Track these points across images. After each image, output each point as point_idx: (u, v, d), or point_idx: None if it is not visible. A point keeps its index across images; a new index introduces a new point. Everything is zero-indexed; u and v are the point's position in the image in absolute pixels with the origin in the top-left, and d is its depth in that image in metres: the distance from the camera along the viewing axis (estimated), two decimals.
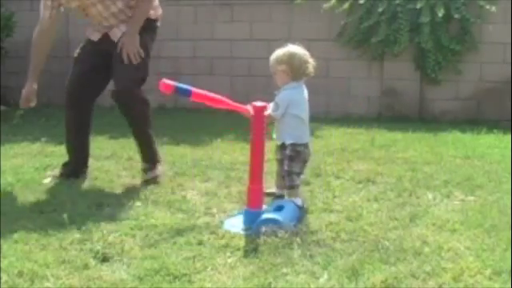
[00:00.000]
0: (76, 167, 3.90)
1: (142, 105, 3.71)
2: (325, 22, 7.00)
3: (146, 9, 3.72)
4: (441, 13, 6.38)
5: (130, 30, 3.65)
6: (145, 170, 3.81)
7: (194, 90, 3.13)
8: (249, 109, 3.11)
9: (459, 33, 6.62)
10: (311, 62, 3.26)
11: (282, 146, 3.24)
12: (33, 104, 3.84)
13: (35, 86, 3.80)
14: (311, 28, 7.04)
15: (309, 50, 3.36)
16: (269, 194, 3.37)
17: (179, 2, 7.61)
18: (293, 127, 3.19)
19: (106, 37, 3.77)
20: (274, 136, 3.33)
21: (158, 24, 3.94)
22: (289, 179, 3.17)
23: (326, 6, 6.83)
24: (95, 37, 3.82)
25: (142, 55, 3.63)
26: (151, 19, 3.83)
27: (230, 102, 3.17)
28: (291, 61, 3.20)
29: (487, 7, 6.46)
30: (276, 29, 7.06)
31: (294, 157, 3.18)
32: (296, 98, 3.21)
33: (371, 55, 6.89)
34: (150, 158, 3.82)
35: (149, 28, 3.78)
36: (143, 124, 3.78)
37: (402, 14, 6.58)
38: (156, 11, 3.91)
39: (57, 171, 3.92)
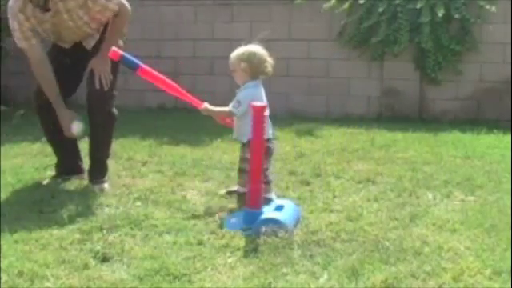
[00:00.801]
0: (70, 165, 3.88)
1: (109, 119, 3.69)
2: (325, 22, 6.99)
3: (119, 28, 3.62)
4: (441, 13, 6.38)
5: (103, 51, 3.54)
6: (92, 180, 3.71)
7: (142, 65, 3.18)
8: (201, 104, 3.21)
9: (459, 33, 6.62)
10: (270, 62, 3.32)
11: (247, 144, 3.24)
12: (76, 132, 3.59)
13: (68, 112, 3.58)
14: (311, 28, 7.04)
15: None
16: (230, 193, 3.42)
17: (179, 2, 7.61)
18: None
19: (77, 44, 3.71)
20: (234, 136, 3.36)
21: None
22: (263, 176, 3.17)
23: (325, 5, 6.82)
24: (67, 45, 3.75)
25: (111, 78, 3.58)
26: None
27: (183, 91, 3.24)
28: (251, 59, 3.27)
29: (487, 7, 6.45)
30: (276, 29, 7.06)
31: None
32: (258, 95, 3.25)
33: (371, 55, 6.88)
34: (100, 172, 3.73)
35: None
36: (105, 136, 3.75)
37: (401, 13, 6.58)
38: None
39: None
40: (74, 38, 3.68)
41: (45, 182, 3.77)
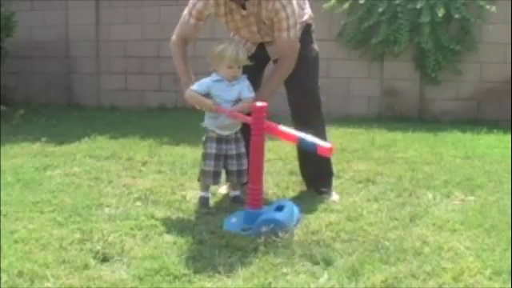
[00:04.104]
0: None
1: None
2: (325, 22, 6.99)
3: (282, 74, 3.33)
4: (441, 13, 6.38)
5: (260, 93, 3.24)
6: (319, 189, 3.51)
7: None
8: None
9: (459, 33, 6.62)
10: None
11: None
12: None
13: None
14: None
15: None
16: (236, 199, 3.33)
17: (179, 2, 7.57)
18: None
19: (261, 46, 3.46)
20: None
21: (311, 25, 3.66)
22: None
23: (326, 5, 6.83)
24: (249, 51, 3.42)
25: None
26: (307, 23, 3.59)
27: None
28: None
29: (487, 7, 6.45)
30: None
31: None
32: None
33: (371, 55, 6.89)
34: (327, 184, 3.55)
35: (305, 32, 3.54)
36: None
37: (401, 14, 6.58)
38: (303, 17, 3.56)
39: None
40: (255, 39, 3.43)
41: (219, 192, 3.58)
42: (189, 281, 2.32)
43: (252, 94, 3.17)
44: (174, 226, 2.92)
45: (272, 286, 2.27)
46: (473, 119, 6.56)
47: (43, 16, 8.08)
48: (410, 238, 2.76)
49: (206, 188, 3.29)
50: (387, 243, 2.66)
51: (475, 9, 6.52)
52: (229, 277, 2.35)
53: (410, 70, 6.82)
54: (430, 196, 3.49)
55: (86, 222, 2.98)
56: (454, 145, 5.13)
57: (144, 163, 4.39)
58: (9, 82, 7.89)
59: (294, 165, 4.09)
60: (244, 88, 3.18)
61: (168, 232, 2.84)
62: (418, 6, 6.50)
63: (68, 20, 8.00)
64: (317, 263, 2.46)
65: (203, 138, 3.28)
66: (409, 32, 6.58)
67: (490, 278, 2.31)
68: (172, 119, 6.63)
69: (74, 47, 8.04)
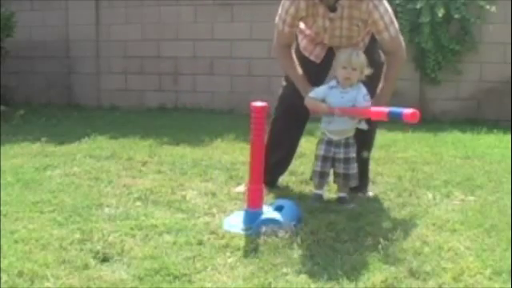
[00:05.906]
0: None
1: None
2: None
3: (396, 73, 3.44)
4: (441, 13, 6.37)
5: (379, 98, 3.31)
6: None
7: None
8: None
9: (459, 33, 6.62)
10: None
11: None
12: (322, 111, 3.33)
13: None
14: None
15: None
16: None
17: (179, 2, 7.61)
18: None
19: (329, 53, 3.45)
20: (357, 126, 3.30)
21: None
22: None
23: None
24: (318, 58, 3.49)
25: None
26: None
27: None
28: None
29: (487, 7, 6.45)
30: None
31: None
32: None
33: None
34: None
35: None
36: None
37: (401, 14, 6.57)
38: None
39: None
40: (334, 42, 3.39)
41: (237, 190, 3.60)
42: (189, 281, 2.32)
43: (367, 103, 3.20)
44: (174, 226, 2.92)
45: (272, 286, 2.27)
46: (473, 119, 6.56)
47: (43, 16, 8.08)
48: (410, 238, 2.76)
49: (316, 187, 3.36)
50: (387, 243, 2.66)
51: (475, 9, 6.52)
52: (229, 277, 2.35)
53: (410, 70, 6.81)
54: (430, 196, 3.50)
55: (86, 221, 2.98)
56: (453, 145, 5.13)
57: (144, 163, 4.38)
58: (9, 82, 7.88)
59: (294, 165, 4.09)
60: (359, 96, 3.22)
61: (168, 232, 2.84)
62: (418, 5, 6.49)
63: (68, 20, 8.00)
64: (317, 263, 2.47)
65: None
66: (409, 32, 6.57)
67: (490, 278, 2.32)
68: (172, 119, 6.63)
69: (74, 47, 8.03)
